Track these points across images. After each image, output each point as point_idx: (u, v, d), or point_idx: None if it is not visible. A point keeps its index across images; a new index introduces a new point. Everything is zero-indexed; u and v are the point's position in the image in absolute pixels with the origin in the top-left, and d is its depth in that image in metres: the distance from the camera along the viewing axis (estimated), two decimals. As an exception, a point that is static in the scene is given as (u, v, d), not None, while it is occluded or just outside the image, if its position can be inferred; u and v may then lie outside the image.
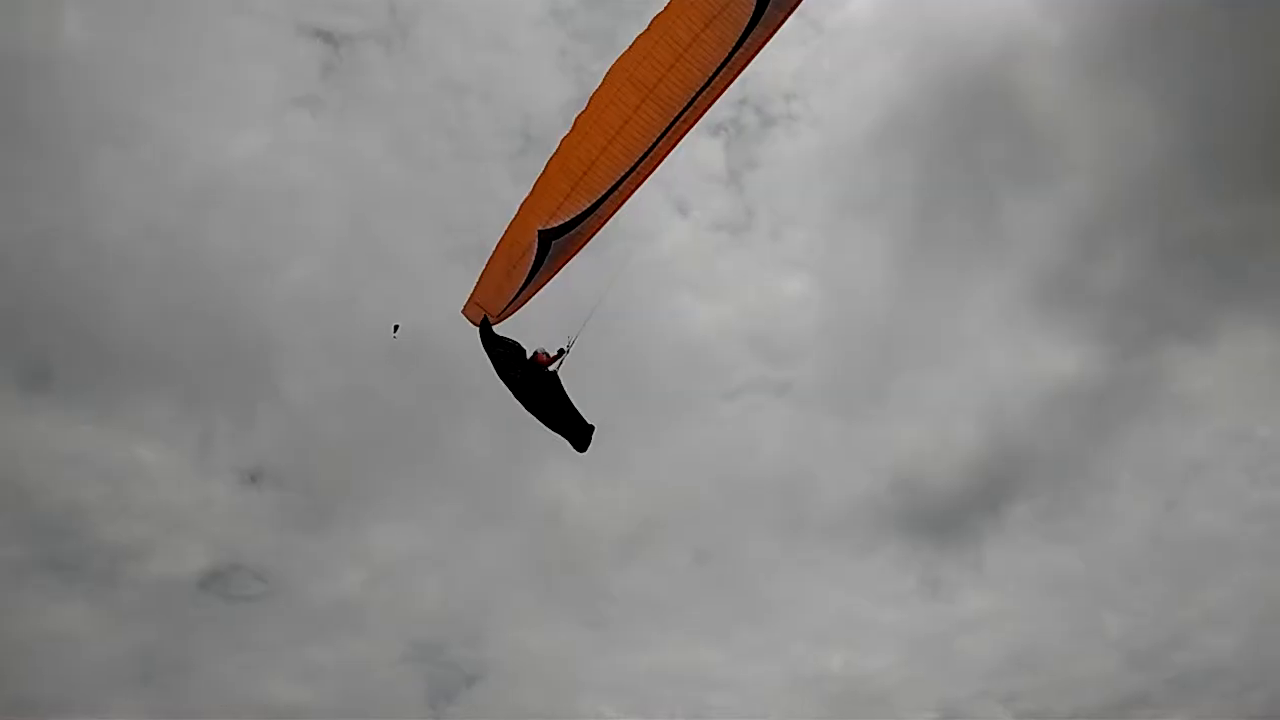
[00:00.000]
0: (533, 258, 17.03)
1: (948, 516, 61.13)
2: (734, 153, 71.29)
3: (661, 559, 62.42)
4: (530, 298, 17.39)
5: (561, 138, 16.45)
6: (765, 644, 61.26)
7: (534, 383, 16.85)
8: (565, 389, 16.80)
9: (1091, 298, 64.71)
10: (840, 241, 67.56)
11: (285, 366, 64.06)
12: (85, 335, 55.88)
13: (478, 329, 17.10)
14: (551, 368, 16.89)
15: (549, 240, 16.96)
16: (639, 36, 15.06)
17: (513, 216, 16.94)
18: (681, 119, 15.76)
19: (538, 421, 17.29)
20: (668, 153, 16.32)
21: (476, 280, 17.21)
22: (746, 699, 59.50)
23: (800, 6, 13.74)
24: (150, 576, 57.39)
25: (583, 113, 16.13)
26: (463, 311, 17.45)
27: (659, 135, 15.98)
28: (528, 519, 65.67)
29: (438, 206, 66.81)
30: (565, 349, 16.87)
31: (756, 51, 14.56)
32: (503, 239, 17.04)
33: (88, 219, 56.29)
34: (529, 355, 16.98)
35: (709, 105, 15.59)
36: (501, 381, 16.89)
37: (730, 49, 14.57)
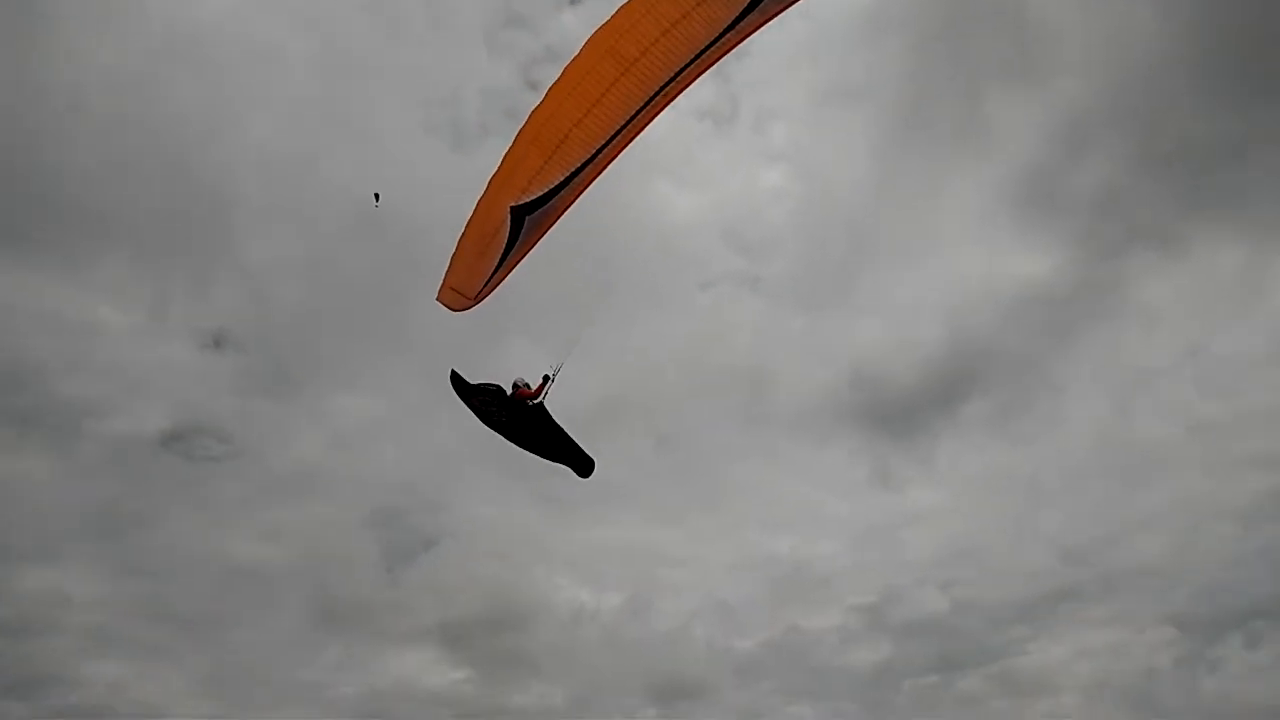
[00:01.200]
0: (506, 235, 16.14)
1: (905, 412, 61.36)
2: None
3: (624, 441, 61.35)
4: (506, 276, 16.62)
5: (532, 109, 15.31)
6: (718, 527, 63.09)
7: (522, 421, 16.20)
8: (554, 417, 16.15)
9: (1068, 200, 63.47)
10: (822, 133, 65.15)
11: (244, 228, 62.25)
12: (37, 186, 53.09)
13: (449, 379, 16.19)
14: (538, 400, 16.17)
15: (522, 216, 16.06)
16: (622, 8, 13.90)
17: (480, 197, 15.91)
18: (662, 93, 14.84)
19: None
20: (646, 125, 15.43)
21: (448, 264, 16.27)
22: (696, 576, 61.15)
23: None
24: (111, 434, 56.86)
25: (556, 83, 15.06)
26: (438, 299, 16.62)
27: (638, 109, 15.05)
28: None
29: (410, 76, 64.10)
30: (550, 376, 16.11)
31: (748, 35, 13.66)
32: (472, 217, 16.09)
33: (42, 65, 53.11)
34: (510, 391, 16.18)
35: (691, 81, 14.69)
36: (488, 427, 16.14)
37: (721, 30, 13.65)
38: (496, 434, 16.33)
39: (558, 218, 16.43)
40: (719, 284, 65.58)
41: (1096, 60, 60.81)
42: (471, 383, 16.19)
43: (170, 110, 58.57)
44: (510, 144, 15.60)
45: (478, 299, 16.61)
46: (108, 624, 52.78)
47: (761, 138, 68.99)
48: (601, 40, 14.34)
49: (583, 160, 15.66)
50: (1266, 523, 55.04)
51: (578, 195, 16.21)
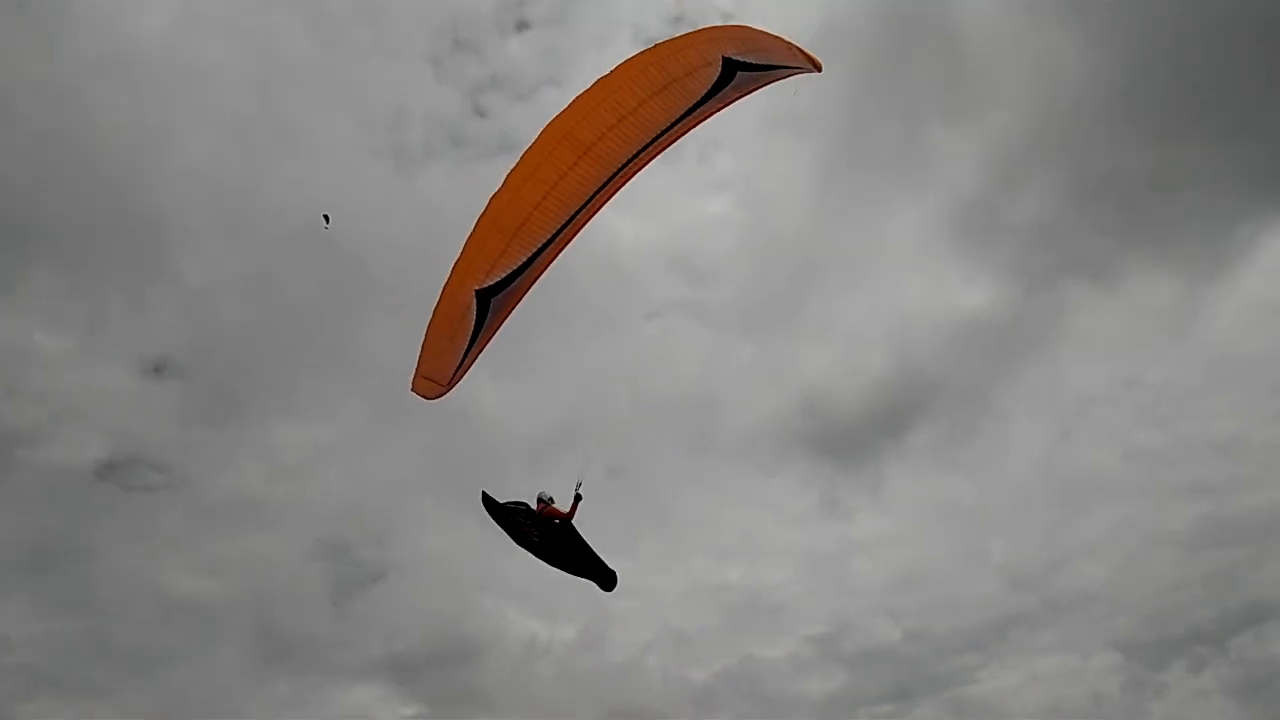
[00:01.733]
0: (473, 318, 16.35)
1: (851, 439, 61.52)
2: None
3: (573, 470, 62.36)
4: (476, 358, 16.77)
5: (490, 196, 15.54)
6: (669, 555, 61.81)
7: (552, 539, 16.44)
8: (582, 535, 16.39)
9: (1005, 231, 64.80)
10: (766, 162, 65.25)
11: (182, 248, 60.08)
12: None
13: (481, 501, 16.39)
14: (574, 520, 16.48)
15: (488, 298, 16.31)
16: (579, 96, 14.39)
17: (444, 282, 16.06)
18: (618, 175, 15.28)
19: None
20: (602, 205, 15.85)
21: (419, 353, 16.35)
22: (649, 606, 59.60)
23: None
24: (44, 463, 54.55)
25: (514, 170, 15.38)
26: (413, 389, 16.67)
27: (594, 191, 15.48)
28: (434, 419, 64.12)
29: (354, 98, 63.24)
30: (579, 494, 16.43)
31: (705, 119, 14.19)
32: (439, 305, 16.22)
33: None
34: (535, 507, 16.44)
35: (647, 163, 15.17)
36: (520, 546, 16.32)
37: (677, 117, 14.21)
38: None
39: (521, 297, 16.71)
40: (665, 312, 64.80)
41: (1029, 94, 62.22)
42: (501, 503, 16.26)
43: (103, 124, 56.62)
44: (471, 230, 15.76)
45: (451, 385, 16.70)
46: (42, 663, 50.03)
47: (707, 167, 68.74)
48: (558, 126, 14.74)
49: (543, 242, 16.02)
50: (1203, 549, 56.52)
51: (539, 274, 16.53)
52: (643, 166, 15.24)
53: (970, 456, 63.81)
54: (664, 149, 14.98)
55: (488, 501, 16.55)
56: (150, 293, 59.67)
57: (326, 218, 34.32)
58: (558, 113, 14.63)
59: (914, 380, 63.05)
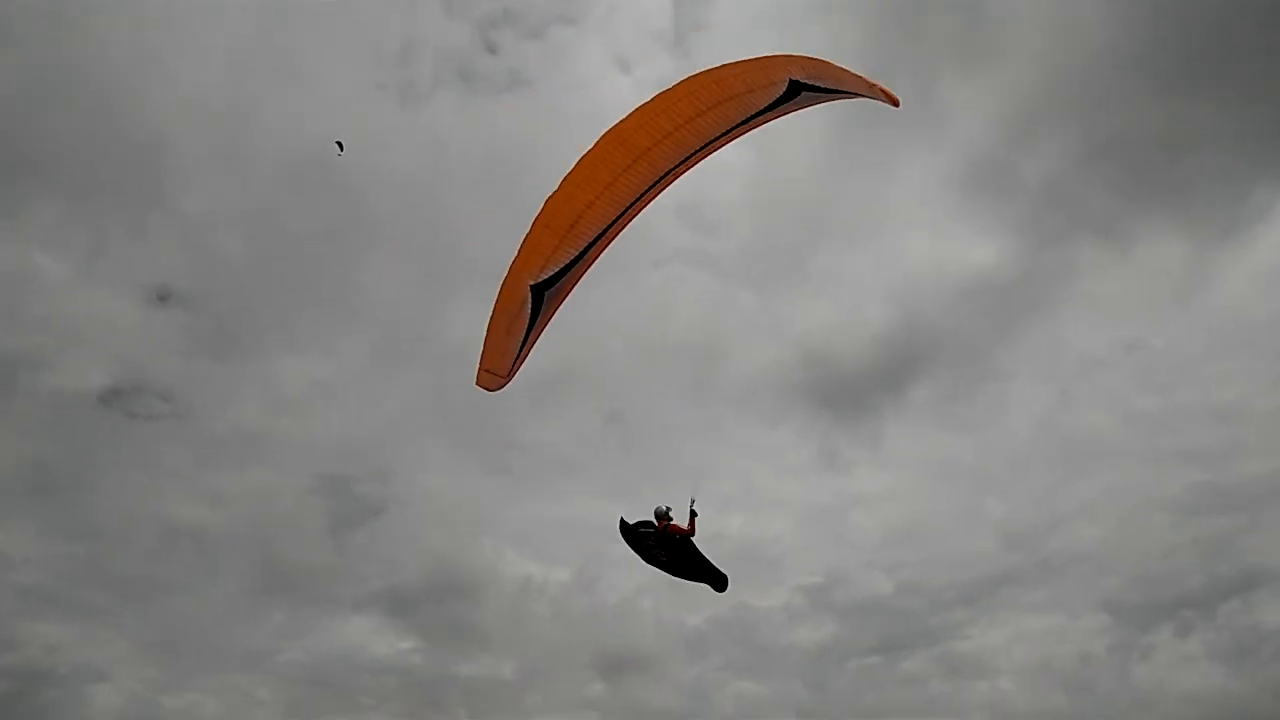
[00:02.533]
0: (529, 312, 17.23)
1: (852, 393, 60.28)
2: (682, 12, 67.12)
3: (574, 416, 60.69)
4: (532, 347, 17.68)
5: (546, 198, 16.25)
6: (668, 504, 64.70)
7: (675, 554, 17.74)
8: (699, 549, 17.75)
9: (1015, 188, 62.74)
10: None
11: (181, 176, 59.10)
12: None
13: (622, 536, 17.51)
14: (694, 538, 17.87)
15: (541, 293, 17.21)
16: (640, 107, 15.08)
17: (502, 280, 16.86)
18: (668, 177, 16.14)
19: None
20: (649, 203, 16.70)
21: (481, 349, 17.22)
22: None
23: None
24: (48, 388, 54.63)
25: (570, 172, 16.13)
26: (477, 383, 17.56)
27: (643, 191, 16.32)
28: (436, 358, 62.38)
29: (362, 31, 61.94)
30: (695, 512, 17.75)
31: (757, 127, 15.05)
32: (497, 303, 17.07)
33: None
34: (659, 525, 17.58)
35: (698, 163, 16.02)
36: (649, 564, 17.69)
37: (732, 126, 15.07)
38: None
39: (571, 289, 17.58)
40: (671, 260, 62.63)
41: (1048, 49, 59.73)
42: (633, 526, 17.61)
43: (103, 50, 55.24)
44: (528, 230, 16.49)
45: (510, 376, 17.62)
46: (45, 584, 51.16)
47: None
48: (616, 133, 15.51)
49: (592, 238, 16.93)
50: (1197, 515, 55.80)
51: (588, 268, 17.39)
52: (690, 168, 16.05)
53: (970, 414, 62.93)
54: (714, 152, 15.81)
55: (623, 526, 17.74)
56: (151, 220, 58.93)
57: (340, 145, 34.54)
58: (617, 121, 15.29)
59: (917, 336, 61.57)
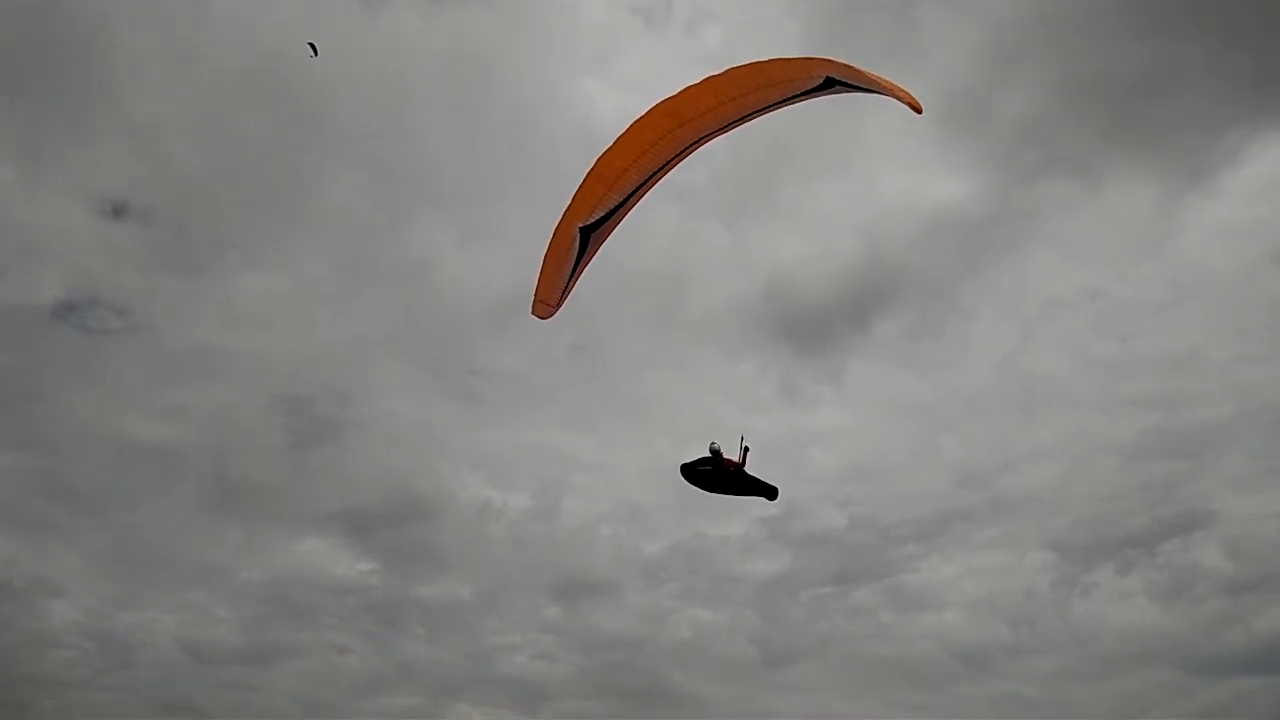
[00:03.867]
0: (577, 250, 19.97)
1: (816, 327, 60.70)
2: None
3: (539, 344, 61.03)
4: (577, 281, 20.52)
5: (600, 154, 18.82)
6: (629, 435, 64.67)
7: (731, 481, 20.75)
8: (751, 474, 20.76)
9: (991, 123, 62.08)
10: (754, 37, 61.85)
11: (127, 75, 57.23)
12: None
13: (684, 477, 20.44)
14: (746, 468, 20.71)
15: (588, 234, 19.94)
16: (689, 86, 17.57)
17: (557, 223, 19.48)
18: (707, 139, 18.83)
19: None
20: (687, 158, 19.40)
21: (536, 284, 19.99)
22: (605, 480, 63.24)
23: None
24: (0, 300, 54.24)
25: (622, 134, 18.58)
26: (532, 312, 20.38)
27: (683, 149, 19.00)
28: (398, 276, 63.08)
29: None
30: (747, 447, 20.65)
31: (786, 107, 17.79)
32: (552, 243, 19.73)
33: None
34: (720, 459, 20.48)
35: (731, 131, 18.72)
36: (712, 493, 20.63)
37: (774, 104, 17.69)
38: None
39: (612, 230, 20.31)
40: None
41: None
42: (691, 464, 20.63)
43: None
44: (580, 182, 19.06)
45: (559, 305, 20.50)
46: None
47: (694, 40, 66.04)
48: (665, 105, 18.00)
49: (635, 186, 19.54)
50: (1145, 460, 58.68)
51: (628, 212, 20.10)
52: (728, 131, 18.73)
53: (932, 353, 63.91)
54: (748, 124, 18.49)
55: (683, 469, 20.75)
56: (99, 124, 56.85)
57: (313, 47, 34.85)
58: (668, 96, 17.83)
59: (884, 271, 61.78)
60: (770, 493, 21.22)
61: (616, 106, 60.51)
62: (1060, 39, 59.38)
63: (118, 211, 57.45)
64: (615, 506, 62.24)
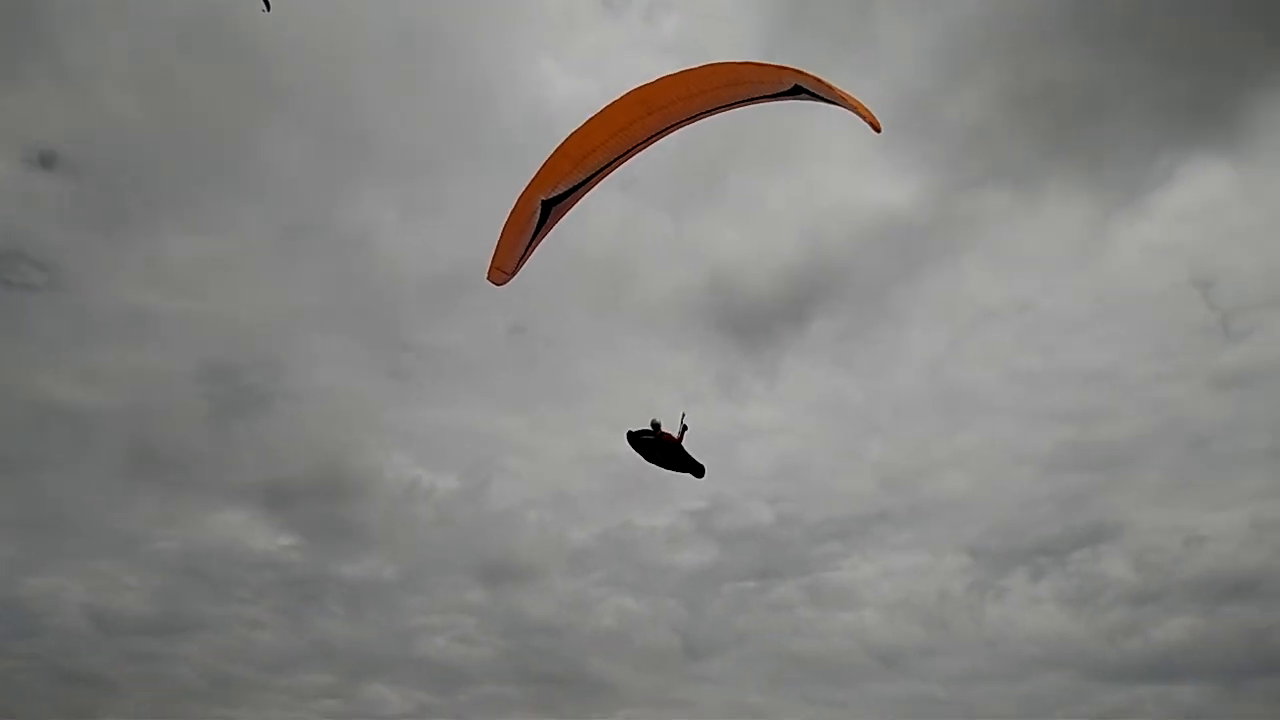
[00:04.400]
0: (536, 222, 20.51)
1: (755, 322, 60.65)
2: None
3: (476, 323, 60.32)
4: (534, 251, 21.04)
5: (570, 133, 19.36)
6: (565, 421, 64.39)
7: (667, 453, 21.75)
8: (686, 450, 21.77)
9: (939, 129, 62.38)
10: (712, 26, 60.78)
11: (66, 23, 53.98)
12: None
13: (629, 443, 21.36)
14: (684, 444, 21.78)
15: (549, 207, 20.51)
16: (662, 77, 18.23)
17: (520, 194, 19.97)
18: (674, 128, 19.54)
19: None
20: (651, 146, 20.07)
21: (494, 250, 20.45)
22: (537, 465, 62.64)
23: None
24: None
25: (593, 117, 19.16)
26: (488, 278, 20.85)
27: (651, 136, 19.68)
28: (335, 245, 61.42)
29: None
30: (685, 426, 21.75)
31: (750, 106, 18.62)
32: (513, 212, 20.27)
33: None
34: (658, 434, 21.47)
35: (697, 123, 19.47)
36: (649, 463, 21.58)
37: (744, 100, 18.49)
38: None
39: (573, 205, 20.88)
40: None
41: None
42: (636, 432, 21.54)
43: None
44: (546, 157, 19.57)
45: (514, 273, 21.02)
46: None
47: (652, 28, 65.16)
48: (638, 92, 18.65)
49: (600, 167, 20.15)
50: (1059, 471, 60.38)
51: (588, 191, 20.70)
52: (696, 122, 19.44)
53: (865, 355, 65.17)
54: (714, 117, 19.22)
55: (629, 436, 21.65)
56: (30, 69, 53.70)
57: (266, 2, 33.93)
58: (642, 84, 18.45)
59: (824, 271, 62.08)
60: (698, 470, 22.31)
61: (570, 89, 60.16)
62: (1011, 50, 60.39)
63: (45, 161, 55.00)
64: (545, 492, 62.04)
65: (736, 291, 59.59)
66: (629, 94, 18.62)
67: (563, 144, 19.48)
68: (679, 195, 59.85)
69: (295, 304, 61.86)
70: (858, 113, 16.12)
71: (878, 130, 15.85)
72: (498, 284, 21.18)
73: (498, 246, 20.54)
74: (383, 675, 54.79)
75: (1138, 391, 61.47)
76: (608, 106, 18.90)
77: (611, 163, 20.11)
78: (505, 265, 20.84)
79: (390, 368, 63.68)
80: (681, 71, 17.99)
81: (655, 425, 21.69)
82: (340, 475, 58.51)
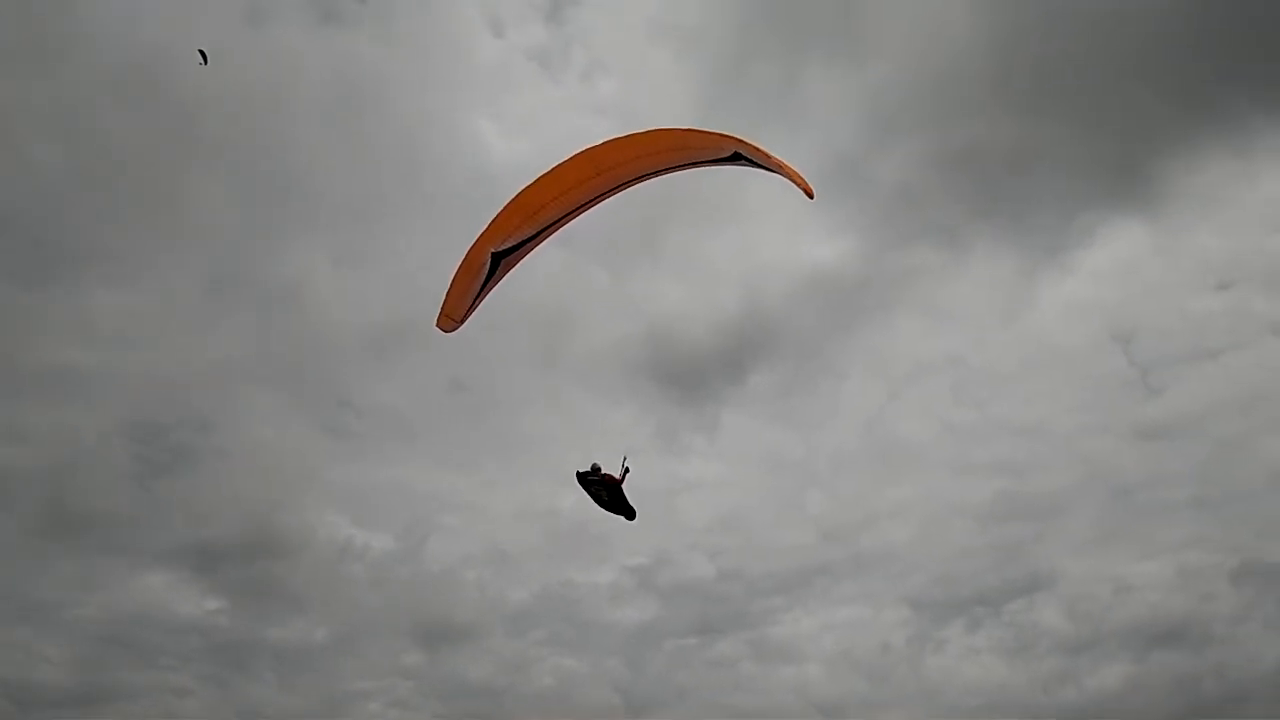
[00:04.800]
0: (485, 273, 21.19)
1: (694, 377, 61.16)
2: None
3: (413, 379, 60.02)
4: (482, 301, 21.68)
5: (521, 188, 20.20)
6: (504, 476, 64.08)
7: (611, 493, 22.48)
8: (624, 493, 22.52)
9: (870, 187, 65.05)
10: (648, 85, 63.26)
11: None
12: None
13: (578, 482, 22.18)
14: (624, 486, 22.45)
15: (499, 259, 21.21)
16: (612, 138, 19.27)
17: (471, 245, 20.68)
18: (621, 188, 20.54)
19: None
20: (599, 204, 21.02)
21: (444, 298, 21.04)
22: (476, 523, 62.47)
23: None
24: None
25: (544, 174, 20.07)
26: (436, 325, 21.35)
27: (598, 195, 20.65)
28: (268, 299, 61.03)
29: None
30: (627, 469, 22.35)
31: (693, 169, 19.71)
32: (464, 262, 20.93)
33: None
34: (599, 475, 22.26)
35: (643, 183, 20.50)
36: (593, 501, 22.43)
37: (679, 166, 19.59)
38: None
39: (521, 259, 21.64)
40: None
41: (915, 52, 62.27)
42: (584, 472, 22.32)
43: None
44: (498, 211, 20.36)
45: (462, 321, 21.61)
46: None
47: (589, 88, 67.67)
48: (588, 152, 19.60)
49: (550, 222, 21.01)
50: (996, 522, 62.15)
51: (537, 245, 21.52)
52: (644, 182, 20.45)
53: (802, 409, 66.57)
54: (659, 178, 20.27)
55: (578, 475, 22.42)
56: None
57: (203, 54, 34.19)
58: (592, 145, 19.45)
59: (761, 326, 63.26)
60: (630, 514, 22.94)
61: (506, 145, 62.02)
62: (937, 111, 62.54)
63: None
64: (483, 549, 61.29)
65: (675, 345, 60.28)
66: (579, 154, 19.57)
67: (514, 198, 20.29)
68: (617, 248, 60.76)
69: (224, 357, 60.93)
70: (792, 179, 17.24)
71: (811, 197, 17.00)
72: (446, 331, 21.72)
73: (448, 294, 21.13)
74: (313, 743, 52.73)
75: (1064, 444, 63.68)
76: (558, 165, 19.81)
77: (560, 219, 20.98)
78: (454, 313, 21.41)
79: (324, 424, 63.14)
80: (630, 135, 19.03)
81: (595, 468, 22.41)
82: (272, 535, 57.26)
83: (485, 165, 62.10)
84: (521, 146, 63.69)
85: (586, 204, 20.81)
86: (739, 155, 18.39)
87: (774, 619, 60.13)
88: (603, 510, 22.64)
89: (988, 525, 62.40)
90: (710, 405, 63.89)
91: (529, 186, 20.16)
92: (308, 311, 62.11)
